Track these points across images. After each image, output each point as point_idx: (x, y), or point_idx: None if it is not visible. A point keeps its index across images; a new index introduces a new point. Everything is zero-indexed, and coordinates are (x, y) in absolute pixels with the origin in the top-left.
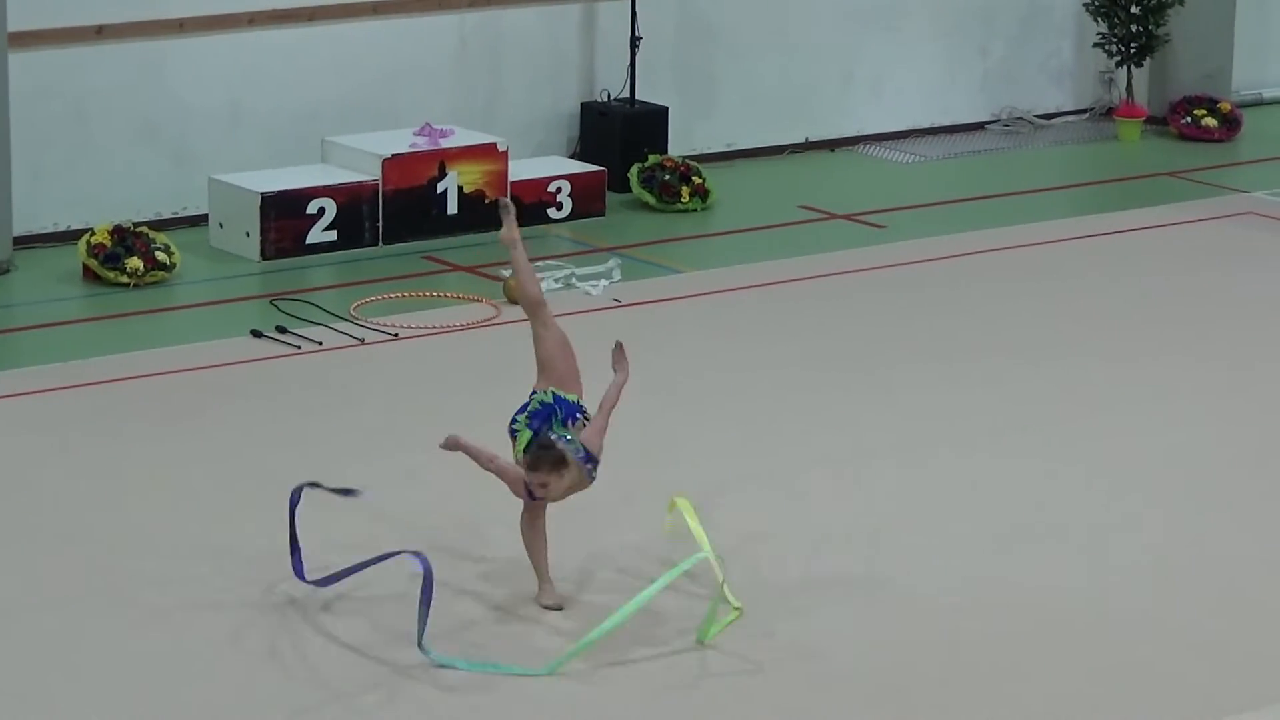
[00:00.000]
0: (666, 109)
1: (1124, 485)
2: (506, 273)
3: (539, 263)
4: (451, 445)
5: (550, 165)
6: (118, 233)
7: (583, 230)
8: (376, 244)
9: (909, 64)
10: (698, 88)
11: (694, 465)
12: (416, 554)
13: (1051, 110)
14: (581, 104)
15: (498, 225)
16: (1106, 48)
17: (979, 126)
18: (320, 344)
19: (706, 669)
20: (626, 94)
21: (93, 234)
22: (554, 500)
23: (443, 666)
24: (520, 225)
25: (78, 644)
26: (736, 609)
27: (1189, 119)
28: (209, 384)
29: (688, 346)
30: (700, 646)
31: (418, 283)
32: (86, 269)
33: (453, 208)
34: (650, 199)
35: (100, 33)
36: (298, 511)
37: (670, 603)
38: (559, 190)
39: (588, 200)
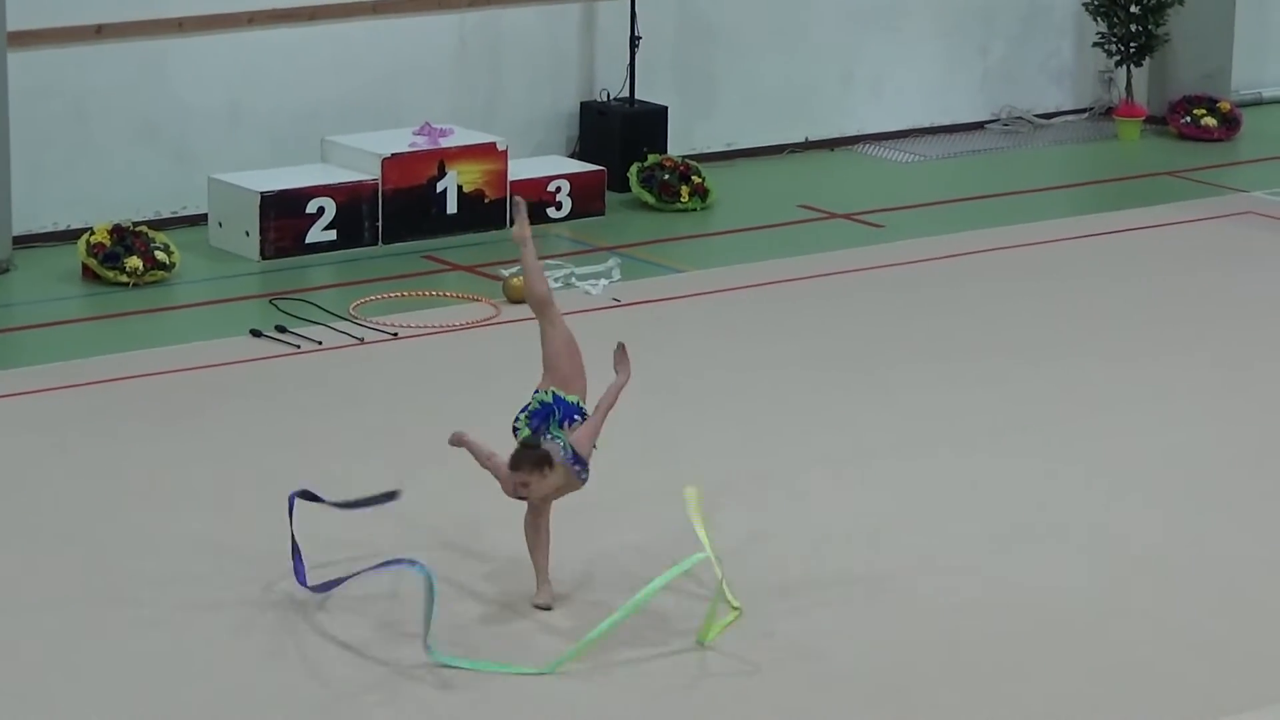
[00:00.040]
0: (666, 108)
1: (1124, 485)
2: (506, 272)
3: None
4: (457, 441)
5: (550, 165)
6: (117, 232)
7: (582, 230)
8: (376, 243)
9: (909, 64)
10: (697, 87)
11: (694, 465)
12: (414, 562)
13: (1051, 110)
14: (581, 103)
15: (498, 225)
16: (1106, 47)
17: (979, 126)
18: (320, 343)
19: (706, 669)
20: (626, 93)
21: (92, 233)
22: (537, 500)
23: (445, 666)
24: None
25: (78, 644)
26: (736, 609)
27: (1188, 118)
28: (208, 383)
29: (687, 346)
30: (700, 647)
31: (417, 282)
32: (86, 268)
33: (452, 207)
34: (650, 198)
35: (100, 32)
36: (296, 516)
37: (670, 603)
38: (559, 190)
39: (587, 200)
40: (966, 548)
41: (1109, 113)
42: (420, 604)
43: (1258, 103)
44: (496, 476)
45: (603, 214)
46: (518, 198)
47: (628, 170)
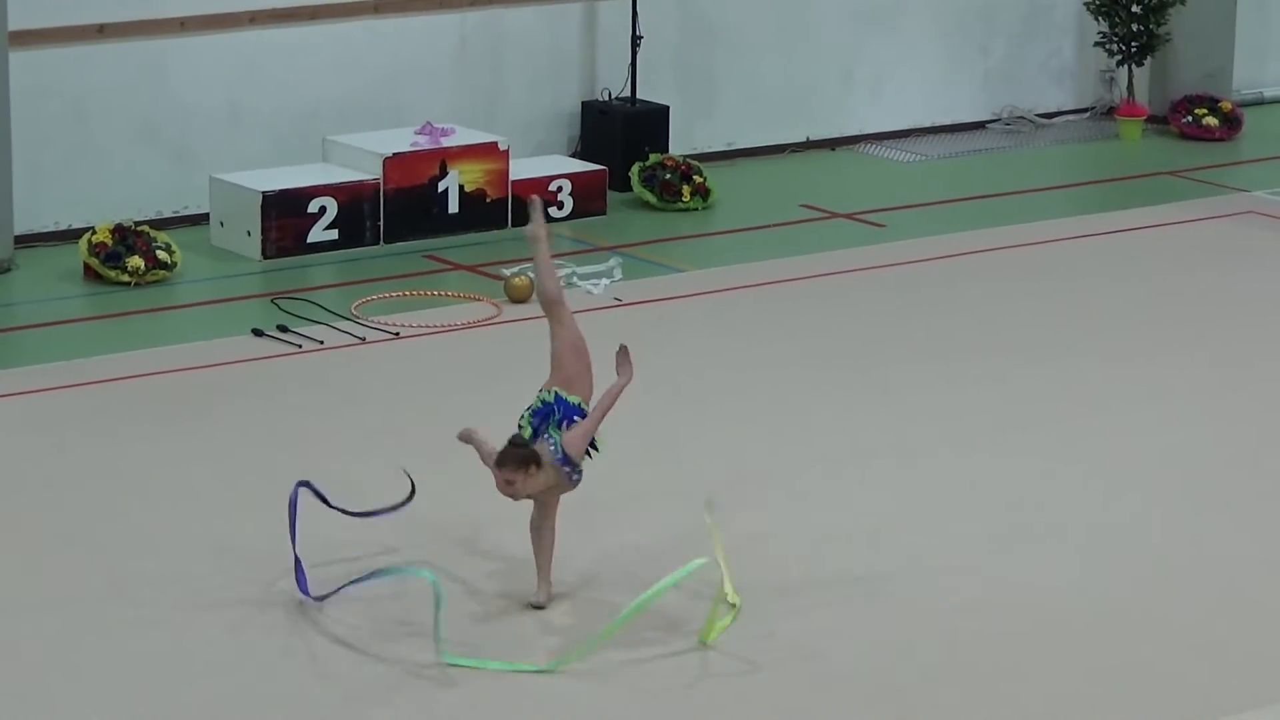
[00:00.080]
0: (667, 108)
1: (1124, 485)
2: (508, 272)
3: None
4: (465, 438)
5: (551, 164)
6: (119, 231)
7: (584, 229)
8: (377, 243)
9: (910, 63)
10: (699, 87)
11: (694, 465)
12: (418, 569)
13: (1052, 109)
14: (582, 103)
15: (499, 224)
16: (1107, 47)
17: (980, 126)
18: (321, 343)
19: (707, 669)
20: (627, 93)
21: (94, 233)
22: (523, 498)
23: (452, 665)
24: (521, 225)
25: (78, 644)
26: (734, 606)
27: (1190, 118)
28: (210, 383)
29: (688, 346)
30: (701, 647)
31: (419, 282)
32: (87, 268)
33: (454, 207)
34: (651, 198)
35: (101, 31)
36: (297, 517)
37: (671, 602)
38: (560, 189)
39: (589, 199)
40: (966, 548)
41: (1110, 112)
42: (418, 604)
43: (1259, 102)
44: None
45: (604, 213)
46: (534, 196)
47: (629, 170)
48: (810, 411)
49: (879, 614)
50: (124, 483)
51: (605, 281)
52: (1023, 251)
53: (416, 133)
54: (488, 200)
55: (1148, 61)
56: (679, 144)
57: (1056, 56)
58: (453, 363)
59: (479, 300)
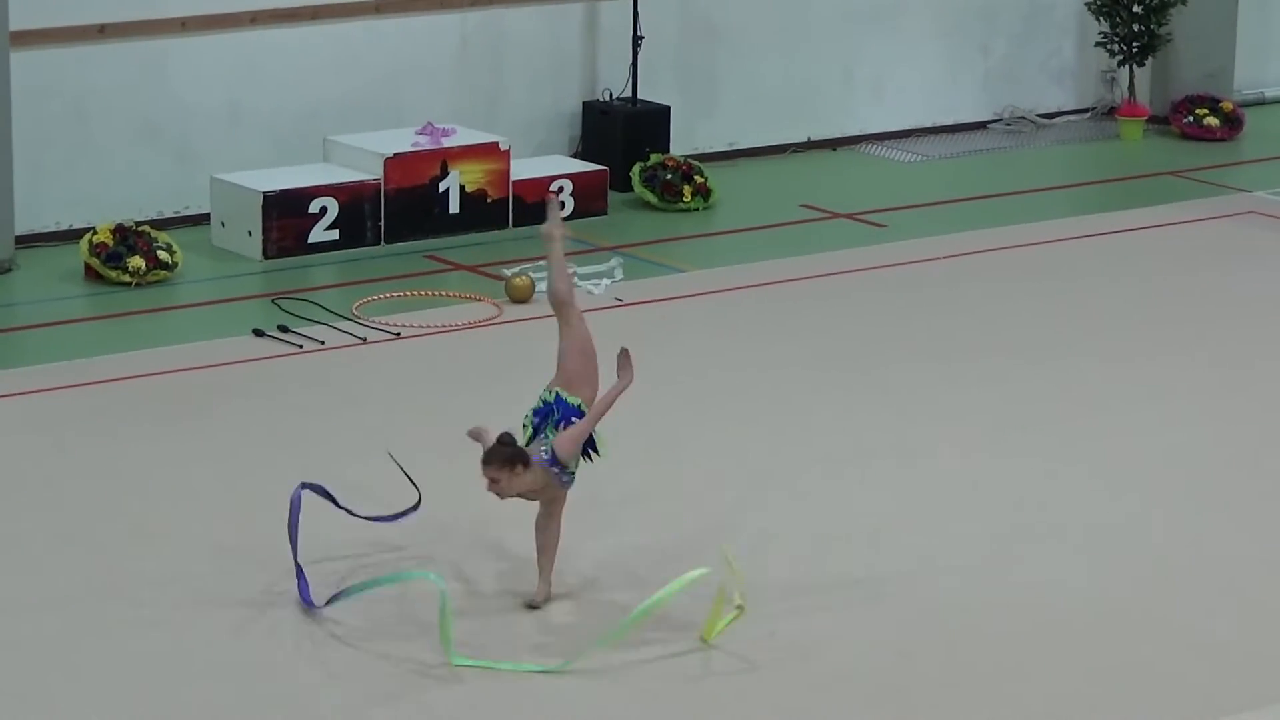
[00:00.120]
0: (668, 108)
1: (1124, 485)
2: (509, 272)
3: (539, 262)
4: (475, 436)
5: (552, 164)
6: (120, 232)
7: (585, 229)
8: (378, 243)
9: (911, 63)
10: (700, 87)
11: (695, 464)
12: (426, 573)
13: (1053, 109)
14: (583, 103)
15: (500, 225)
16: (1108, 47)
17: (981, 126)
18: (322, 343)
19: (707, 669)
20: (628, 93)
21: (95, 233)
22: (507, 497)
23: (457, 666)
24: (521, 225)
25: (78, 644)
26: (739, 607)
27: (1191, 118)
28: (211, 383)
29: (689, 346)
30: (701, 646)
31: (419, 282)
32: (88, 268)
33: (454, 207)
34: (652, 198)
35: (102, 31)
36: (298, 529)
37: (671, 602)
38: (561, 189)
39: (590, 199)
40: (967, 548)
41: (1111, 112)
42: (419, 604)
43: (1260, 102)
44: None
45: (605, 214)
46: (552, 195)
47: (630, 170)
48: (811, 411)
49: (879, 614)
50: (124, 483)
51: (606, 282)
52: (1024, 251)
53: (417, 133)
54: (489, 200)
55: (1149, 61)
56: (680, 144)
57: (1057, 56)
58: (454, 363)
59: (480, 300)
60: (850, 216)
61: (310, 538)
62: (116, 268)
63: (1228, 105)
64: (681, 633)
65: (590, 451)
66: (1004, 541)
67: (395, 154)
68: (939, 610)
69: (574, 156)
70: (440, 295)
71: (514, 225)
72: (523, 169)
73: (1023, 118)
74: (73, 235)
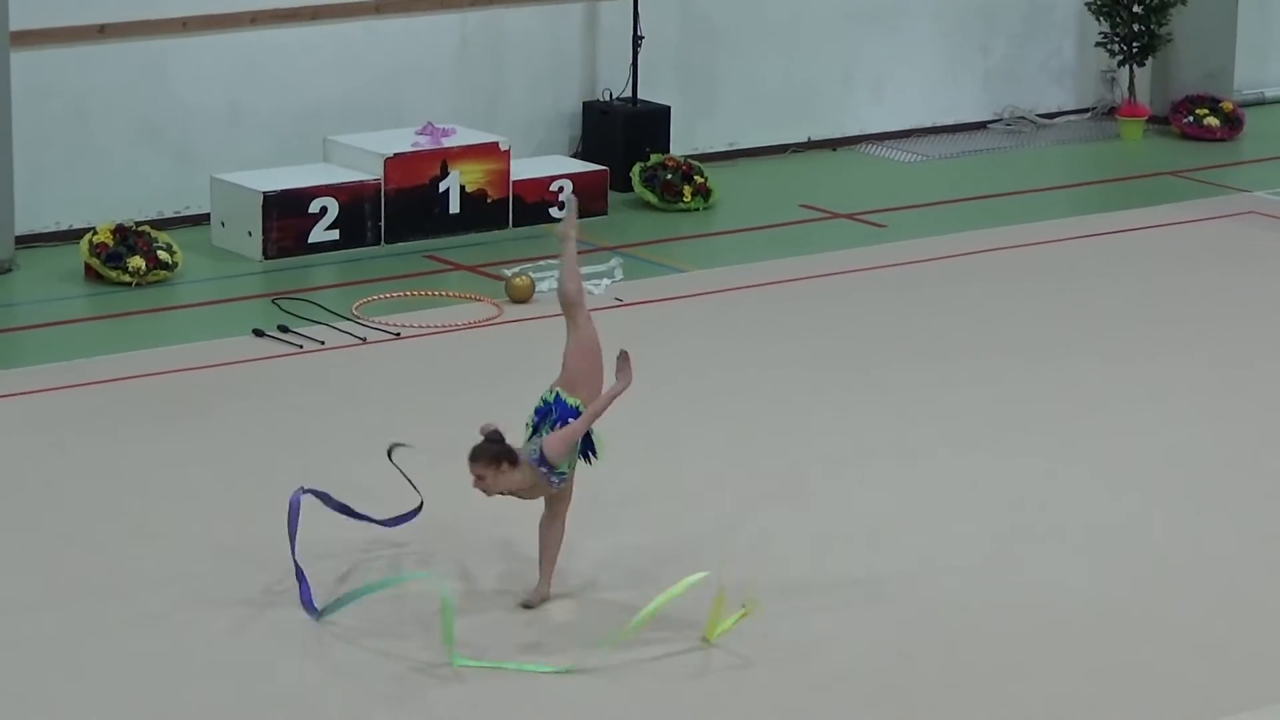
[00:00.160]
0: (669, 108)
1: (1124, 485)
2: (509, 272)
3: (540, 262)
4: (486, 432)
5: (552, 164)
6: (120, 232)
7: (585, 229)
8: (378, 243)
9: (910, 63)
10: (700, 87)
11: (695, 464)
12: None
13: (1053, 109)
14: (583, 103)
15: (499, 225)
16: (1108, 47)
17: (981, 126)
18: (322, 343)
19: (707, 668)
20: (628, 93)
21: (95, 233)
22: (493, 494)
23: (458, 666)
24: (521, 225)
25: (78, 644)
26: (745, 609)
27: (1191, 118)
28: (211, 383)
29: (689, 346)
30: (701, 646)
31: (419, 282)
32: (88, 268)
33: (455, 207)
34: (652, 198)
35: (102, 31)
36: (297, 535)
37: (671, 601)
38: (561, 189)
39: (590, 199)
40: (967, 548)
41: (1111, 112)
42: (419, 603)
43: (1260, 102)
44: None
45: (605, 214)
46: (571, 195)
47: (630, 170)
48: (811, 411)
49: (879, 614)
50: (124, 483)
51: (606, 282)
52: (1023, 252)
53: (417, 133)
54: (489, 200)
55: (1149, 61)
56: (680, 144)
57: (1057, 56)
58: (454, 363)
59: (480, 300)
60: (850, 216)
61: (310, 537)
62: (116, 268)
63: (1228, 105)
64: (682, 632)
65: (589, 455)
66: (1004, 541)
67: (395, 154)
68: (939, 610)
69: (574, 156)
70: (440, 295)
71: (514, 225)
72: (523, 169)
73: (1023, 118)
74: (73, 235)
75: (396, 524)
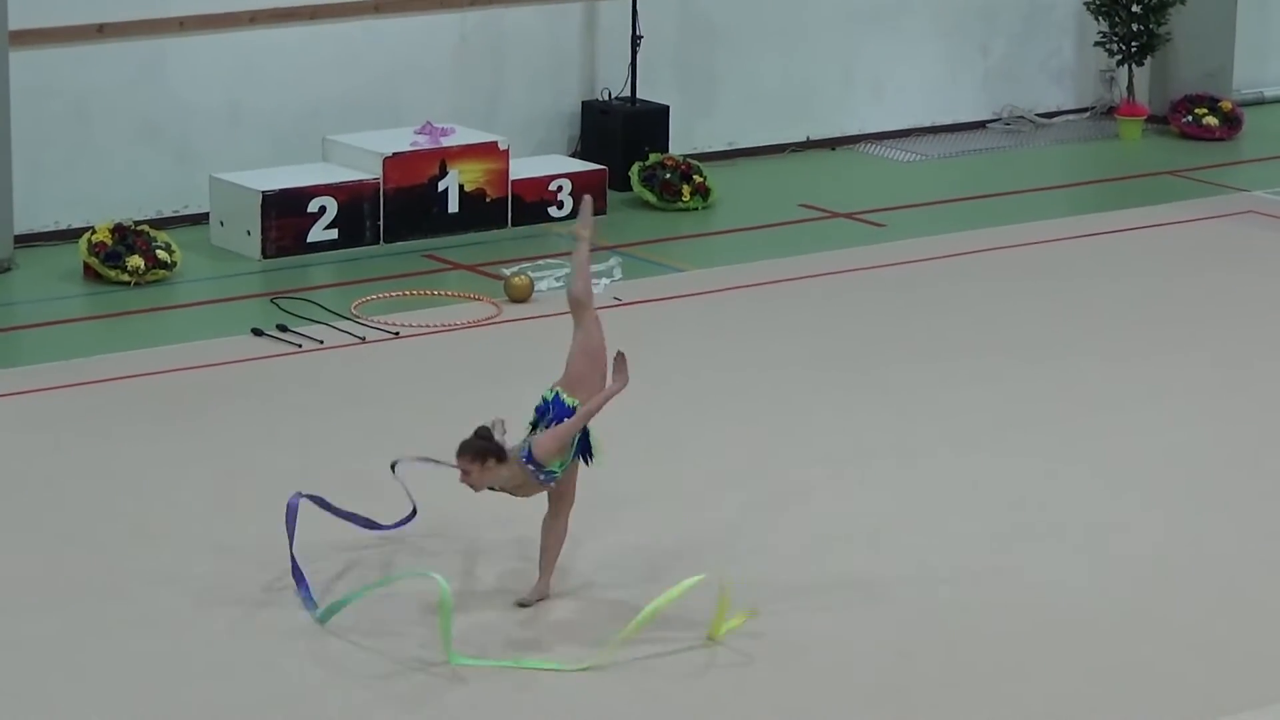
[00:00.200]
0: (667, 107)
1: (1124, 485)
2: (508, 271)
3: (539, 261)
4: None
5: (551, 164)
6: (119, 231)
7: None
8: (377, 242)
9: (910, 63)
10: (699, 86)
11: (694, 464)
12: (427, 573)
13: (1052, 109)
14: (582, 102)
15: (498, 224)
16: (1107, 46)
17: (980, 125)
18: (321, 342)
19: (707, 668)
20: (627, 92)
21: (94, 232)
22: (480, 490)
23: (458, 665)
24: (520, 224)
25: (78, 644)
26: (752, 611)
27: (1190, 118)
28: (210, 382)
29: (688, 345)
30: (701, 645)
31: (418, 281)
32: (87, 267)
33: (454, 206)
34: (651, 198)
35: (101, 31)
36: (295, 536)
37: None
38: (560, 189)
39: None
40: (967, 548)
41: (1110, 112)
42: (419, 603)
43: (1259, 102)
44: None
45: (604, 213)
46: (586, 196)
47: (629, 169)
48: (810, 411)
49: (879, 614)
50: (124, 482)
51: (605, 281)
52: (1023, 251)
53: (416, 132)
54: (488, 200)
55: (1148, 61)
56: (679, 144)
57: (1056, 56)
58: (453, 362)
59: (479, 300)
60: (849, 216)
61: (309, 536)
62: (115, 267)
63: (1227, 105)
64: (682, 631)
65: (586, 457)
66: (1004, 541)
67: (394, 153)
68: (939, 610)
69: (573, 156)
70: (439, 295)
71: (513, 225)
72: (522, 168)
73: (1022, 117)
74: (72, 235)
75: (393, 529)
